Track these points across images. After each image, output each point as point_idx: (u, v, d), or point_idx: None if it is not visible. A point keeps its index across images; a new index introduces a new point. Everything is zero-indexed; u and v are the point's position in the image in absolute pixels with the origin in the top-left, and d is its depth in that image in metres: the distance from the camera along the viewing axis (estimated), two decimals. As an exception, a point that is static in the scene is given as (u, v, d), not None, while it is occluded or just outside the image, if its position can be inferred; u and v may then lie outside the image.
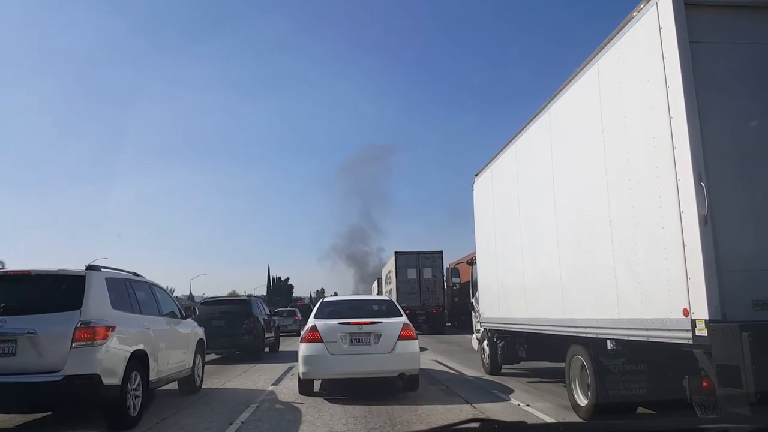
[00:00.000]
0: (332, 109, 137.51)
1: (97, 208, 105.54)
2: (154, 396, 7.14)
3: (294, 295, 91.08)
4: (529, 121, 7.64)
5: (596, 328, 5.62)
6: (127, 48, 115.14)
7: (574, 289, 6.22)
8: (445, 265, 26.42)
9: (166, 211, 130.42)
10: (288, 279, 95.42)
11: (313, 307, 9.44)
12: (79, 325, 5.39)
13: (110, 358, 5.59)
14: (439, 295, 25.43)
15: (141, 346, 6.22)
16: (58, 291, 5.80)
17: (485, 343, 10.27)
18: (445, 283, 25.92)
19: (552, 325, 6.89)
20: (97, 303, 5.75)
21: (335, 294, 74.88)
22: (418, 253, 26.00)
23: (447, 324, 27.57)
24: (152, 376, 6.52)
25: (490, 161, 9.66)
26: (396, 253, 26.36)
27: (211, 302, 15.89)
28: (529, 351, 8.95)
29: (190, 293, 73.69)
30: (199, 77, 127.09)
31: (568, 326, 6.35)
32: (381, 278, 36.75)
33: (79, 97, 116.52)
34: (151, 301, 7.26)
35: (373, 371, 7.67)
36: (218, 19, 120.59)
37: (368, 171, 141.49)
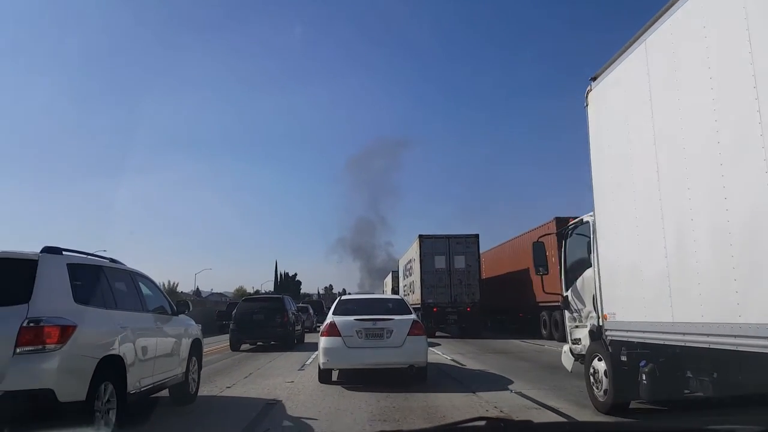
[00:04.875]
0: (342, 103, 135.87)
1: (104, 203, 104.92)
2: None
3: (302, 291, 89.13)
4: None
5: None
6: (139, 44, 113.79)
7: None
8: (482, 252, 22.29)
9: (172, 206, 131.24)
10: (296, 275, 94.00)
11: (325, 303, 9.32)
12: (25, 324, 4.33)
13: (70, 367, 4.53)
14: (474, 288, 21.68)
15: (115, 350, 5.23)
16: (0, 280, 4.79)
17: (597, 361, 6.60)
18: (481, 274, 21.67)
19: None
20: (52, 295, 4.73)
21: (344, 290, 73.51)
22: (448, 237, 22.18)
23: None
24: (131, 387, 5.52)
25: (638, 38, 5.44)
26: (420, 236, 22.44)
27: (251, 299, 19.89)
28: (719, 380, 4.83)
29: (196, 288, 71.90)
30: (211, 73, 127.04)
31: None
32: (397, 271, 32.74)
33: (89, 91, 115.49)
34: (132, 294, 6.33)
35: (386, 362, 8.69)
36: (230, 15, 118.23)
37: (378, 164, 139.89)
